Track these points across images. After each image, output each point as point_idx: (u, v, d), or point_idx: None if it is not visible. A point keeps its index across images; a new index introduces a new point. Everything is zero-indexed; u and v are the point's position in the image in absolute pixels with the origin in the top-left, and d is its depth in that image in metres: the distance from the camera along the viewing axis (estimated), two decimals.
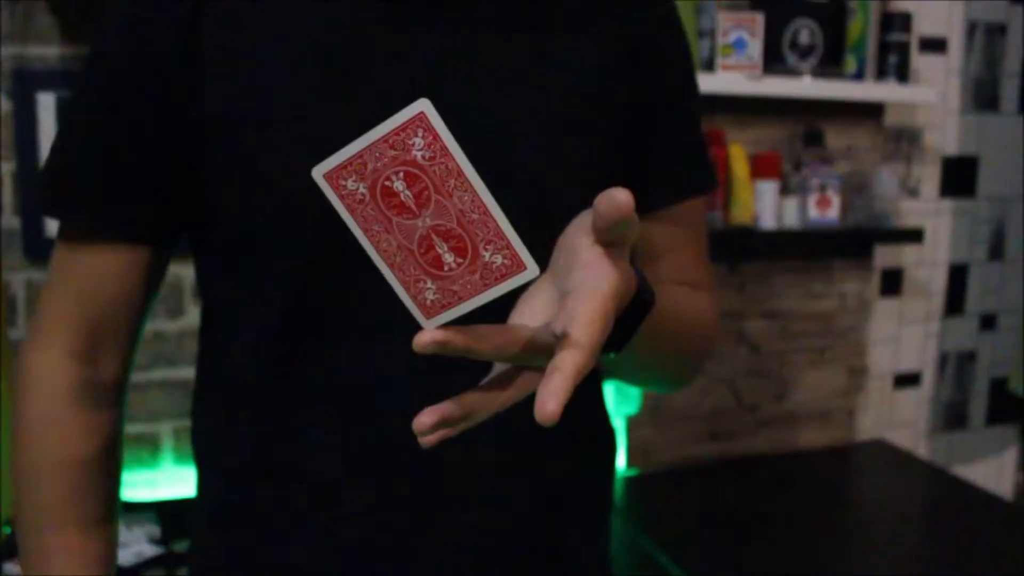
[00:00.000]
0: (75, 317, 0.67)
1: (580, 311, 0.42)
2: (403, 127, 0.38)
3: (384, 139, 0.39)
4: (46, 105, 1.46)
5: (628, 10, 0.69)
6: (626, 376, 0.72)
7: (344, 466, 0.66)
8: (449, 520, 0.66)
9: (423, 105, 0.38)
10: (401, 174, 0.39)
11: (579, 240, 0.46)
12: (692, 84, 0.75)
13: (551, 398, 0.38)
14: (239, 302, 0.67)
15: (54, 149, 0.67)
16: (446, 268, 0.41)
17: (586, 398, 0.73)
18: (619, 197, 0.42)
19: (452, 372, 0.47)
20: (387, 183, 0.39)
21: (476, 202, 0.39)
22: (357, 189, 0.40)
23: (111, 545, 0.71)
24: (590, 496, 0.74)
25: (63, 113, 0.67)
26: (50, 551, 0.67)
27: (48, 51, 1.46)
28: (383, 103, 0.60)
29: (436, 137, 0.38)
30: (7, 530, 1.42)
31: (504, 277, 0.40)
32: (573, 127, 0.66)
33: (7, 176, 1.48)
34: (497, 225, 0.39)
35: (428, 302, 0.42)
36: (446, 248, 0.40)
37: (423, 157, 0.39)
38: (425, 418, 0.41)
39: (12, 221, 1.49)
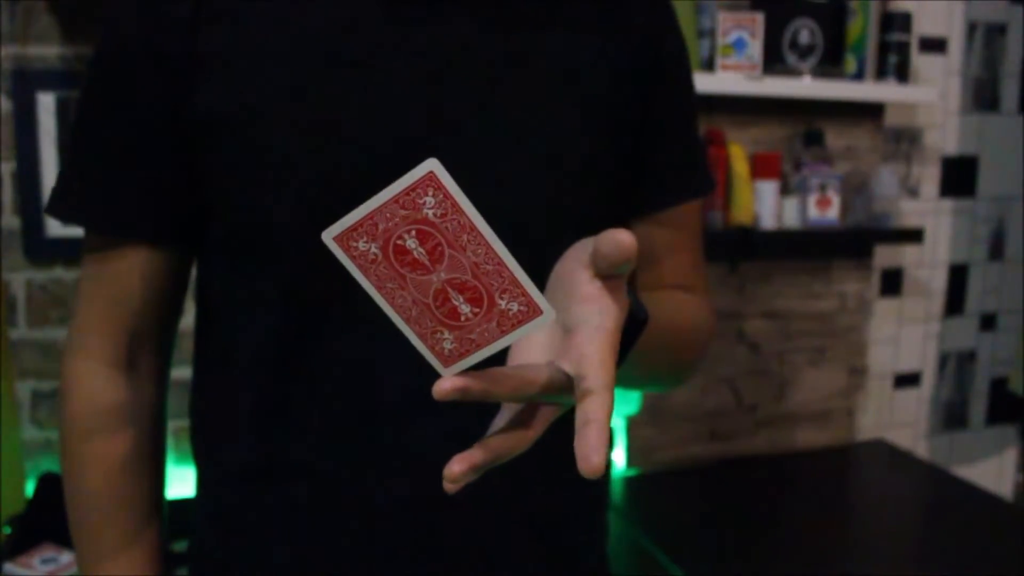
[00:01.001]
0: (108, 325, 0.69)
1: (591, 352, 0.42)
2: (413, 187, 0.38)
3: (394, 199, 0.39)
4: (46, 105, 1.46)
5: (630, 11, 0.69)
6: (624, 384, 0.72)
7: (343, 466, 0.66)
8: (447, 520, 0.66)
9: (432, 165, 0.38)
10: (413, 232, 0.39)
11: (577, 274, 0.46)
12: (690, 85, 0.75)
13: (594, 453, 0.38)
14: (238, 301, 0.67)
15: (65, 155, 0.67)
16: (463, 319, 0.41)
17: None
18: (623, 240, 0.42)
19: None
20: (399, 242, 0.40)
21: (490, 254, 0.39)
22: (369, 250, 0.40)
23: (157, 547, 0.73)
24: (588, 497, 0.74)
25: (73, 118, 0.67)
26: (100, 555, 0.70)
27: (48, 51, 1.46)
28: (385, 101, 0.61)
29: (447, 195, 0.38)
30: (7, 530, 1.42)
31: (521, 323, 0.41)
32: (576, 127, 0.65)
33: (7, 176, 1.48)
34: (512, 274, 0.40)
35: (446, 352, 0.42)
36: (462, 300, 0.41)
37: (435, 215, 0.39)
38: (456, 467, 0.41)
39: (12, 221, 1.49)
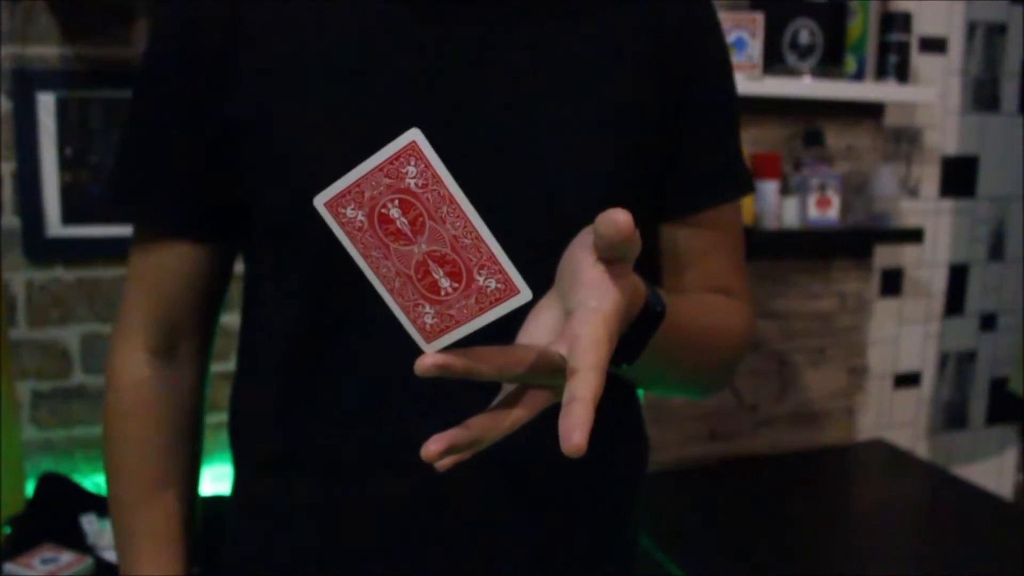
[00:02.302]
0: (151, 315, 0.72)
1: (583, 333, 0.42)
2: (396, 156, 0.39)
3: (379, 168, 0.40)
4: (46, 105, 1.46)
5: (663, 10, 0.68)
6: (651, 384, 0.71)
7: (355, 461, 0.66)
8: (455, 517, 0.66)
9: (414, 134, 0.39)
10: (396, 201, 0.40)
11: (581, 258, 0.47)
12: (729, 86, 0.74)
13: (575, 430, 0.38)
14: (267, 298, 0.69)
15: (117, 154, 0.71)
16: (442, 293, 0.42)
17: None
18: (619, 219, 0.42)
19: None
20: (383, 210, 0.41)
21: (468, 228, 0.40)
22: (356, 217, 0.41)
23: (187, 531, 0.75)
24: (599, 498, 0.74)
25: (126, 116, 0.70)
26: (132, 534, 0.73)
27: (48, 51, 1.46)
28: (410, 104, 0.61)
29: (428, 165, 0.39)
30: (7, 530, 1.42)
31: (498, 301, 0.41)
32: (602, 127, 0.65)
33: (7, 176, 1.48)
34: (490, 250, 0.40)
35: (427, 326, 0.43)
36: (442, 273, 0.41)
37: (416, 185, 0.40)
38: (433, 446, 0.41)
39: (12, 221, 1.49)
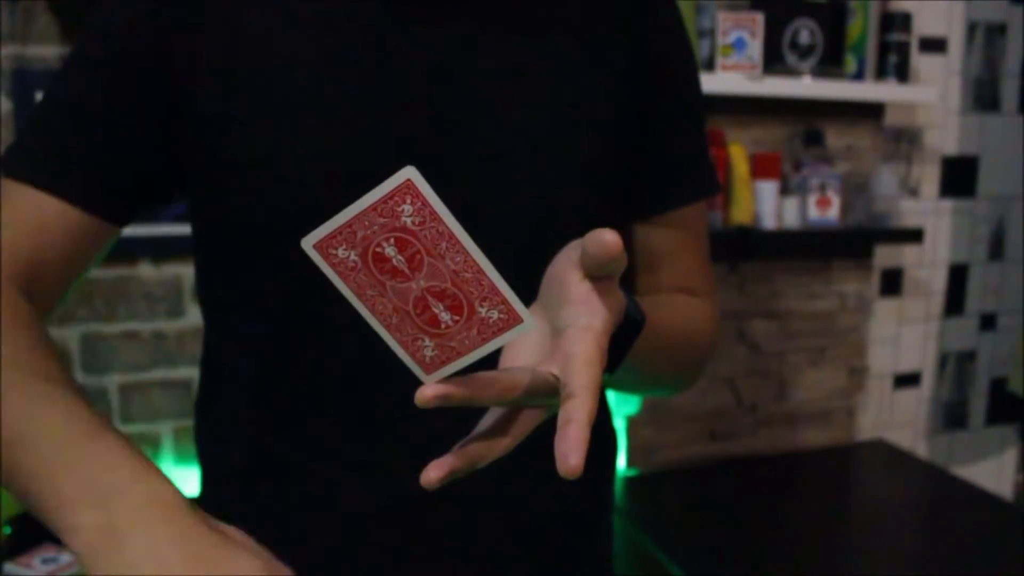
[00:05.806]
0: (19, 250, 0.62)
1: (576, 352, 0.43)
2: (390, 195, 0.38)
3: (372, 207, 0.39)
4: None
5: (631, 13, 0.69)
6: (625, 387, 0.72)
7: (341, 466, 0.66)
8: (446, 521, 0.66)
9: (409, 173, 0.38)
10: (392, 240, 0.40)
11: (568, 275, 0.47)
12: (695, 88, 0.75)
13: (572, 452, 0.38)
14: (240, 302, 0.67)
15: (34, 118, 0.63)
16: (443, 326, 0.41)
17: None
18: (607, 239, 0.43)
19: None
20: (378, 249, 0.40)
21: (469, 262, 0.39)
22: (348, 257, 0.40)
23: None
24: (589, 497, 0.74)
25: (51, 80, 0.64)
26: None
27: (48, 51, 1.46)
28: (385, 102, 0.61)
29: (425, 203, 0.38)
30: (7, 530, 1.42)
31: (501, 331, 0.41)
32: (576, 128, 0.65)
33: None
34: (491, 282, 0.40)
35: (427, 359, 0.42)
36: (442, 308, 0.41)
37: (413, 223, 0.39)
38: (433, 473, 0.42)
39: None
